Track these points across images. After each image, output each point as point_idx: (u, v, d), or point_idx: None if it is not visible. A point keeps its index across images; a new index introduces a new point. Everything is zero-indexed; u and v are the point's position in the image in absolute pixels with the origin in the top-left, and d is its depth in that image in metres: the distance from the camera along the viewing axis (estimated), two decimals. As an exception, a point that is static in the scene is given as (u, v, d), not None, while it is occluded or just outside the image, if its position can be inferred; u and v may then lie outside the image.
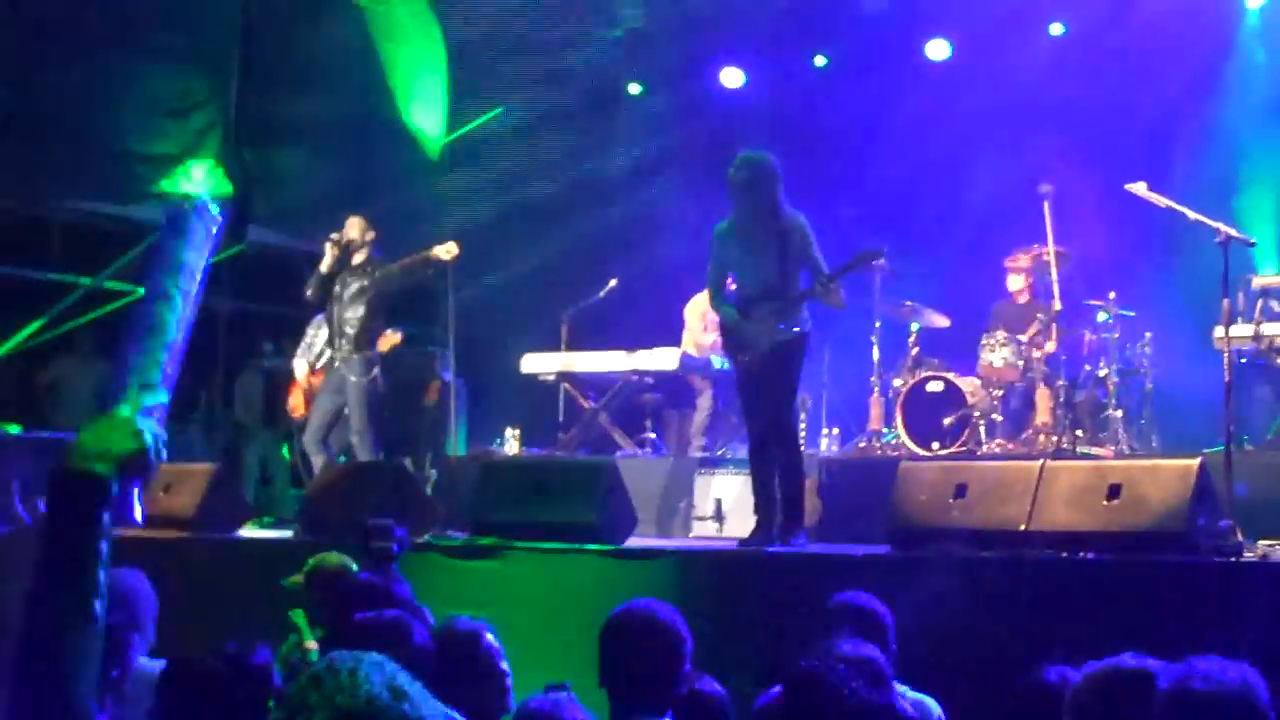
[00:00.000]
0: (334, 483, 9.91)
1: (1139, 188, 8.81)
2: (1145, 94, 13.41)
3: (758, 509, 8.79)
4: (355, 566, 6.95)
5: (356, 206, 11.84)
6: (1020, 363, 11.77)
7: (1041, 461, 7.47)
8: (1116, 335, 11.72)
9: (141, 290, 3.07)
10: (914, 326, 12.40)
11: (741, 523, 9.77)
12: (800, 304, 8.71)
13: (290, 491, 14.24)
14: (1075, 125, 13.60)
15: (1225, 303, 8.39)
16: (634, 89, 16.49)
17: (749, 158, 8.89)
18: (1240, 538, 7.12)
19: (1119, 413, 11.45)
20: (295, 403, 12.73)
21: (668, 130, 16.31)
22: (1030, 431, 11.50)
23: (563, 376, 13.14)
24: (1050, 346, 11.62)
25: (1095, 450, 11.10)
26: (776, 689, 3.89)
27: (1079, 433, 11.41)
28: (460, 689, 4.64)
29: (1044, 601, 6.65)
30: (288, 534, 10.21)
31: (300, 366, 12.67)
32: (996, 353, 11.85)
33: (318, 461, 11.11)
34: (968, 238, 13.44)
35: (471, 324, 12.38)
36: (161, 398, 2.97)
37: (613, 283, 13.68)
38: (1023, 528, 7.07)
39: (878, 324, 12.27)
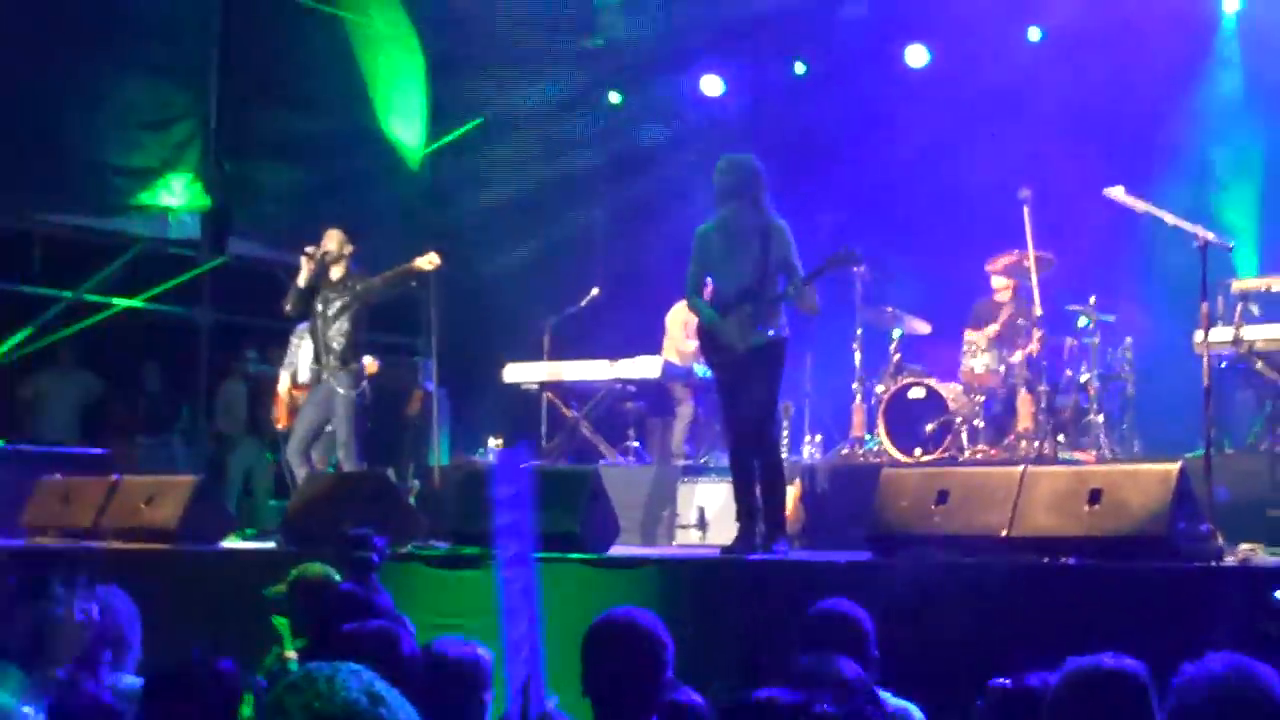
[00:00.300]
0: (316, 493, 9.90)
1: (1117, 192, 8.82)
2: (1123, 99, 13.46)
3: (740, 516, 8.79)
4: (338, 577, 6.94)
5: (336, 218, 11.81)
6: (1001, 368, 11.79)
7: (1023, 467, 7.48)
8: (1097, 340, 11.74)
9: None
10: (896, 333, 12.42)
11: (725, 530, 9.77)
12: (777, 307, 8.70)
13: (272, 503, 14.21)
14: (1054, 130, 13.63)
15: (1204, 307, 8.40)
16: (614, 97, 16.50)
17: (733, 160, 8.91)
18: (1221, 542, 7.14)
19: (1100, 417, 11.48)
20: (279, 414, 12.71)
21: (648, 139, 16.33)
22: (1012, 437, 11.52)
23: (545, 386, 13.14)
24: (1032, 348, 11.63)
25: (1077, 455, 11.12)
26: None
27: (1060, 438, 11.44)
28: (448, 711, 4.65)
29: (1026, 607, 6.66)
30: (270, 545, 10.19)
31: (283, 379, 12.64)
32: (978, 358, 11.88)
33: (300, 473, 11.08)
34: (948, 243, 13.47)
35: (454, 334, 12.38)
36: None
37: (595, 292, 13.68)
38: (1004, 533, 7.08)
39: (859, 330, 12.30)
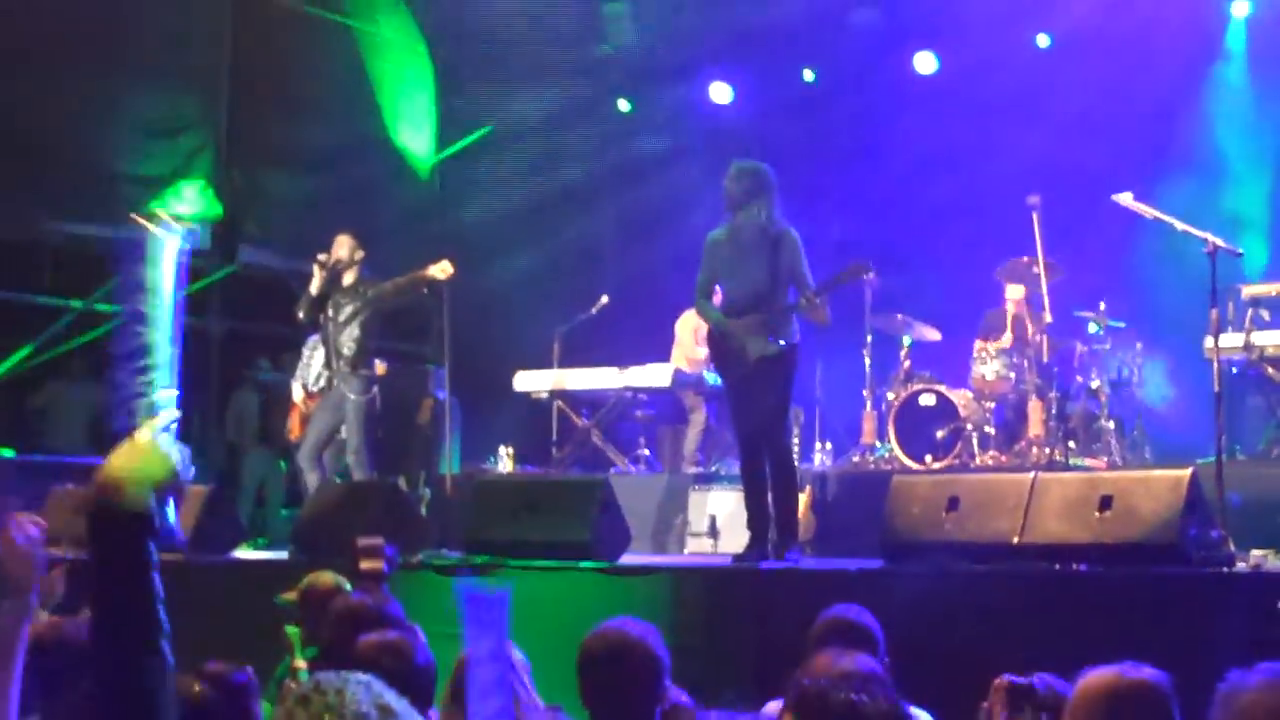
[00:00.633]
0: (327, 503, 9.90)
1: (1126, 198, 8.81)
2: (1132, 104, 13.45)
3: (751, 524, 8.78)
4: (349, 586, 6.95)
5: (346, 226, 11.81)
6: (1012, 375, 11.79)
7: (1033, 474, 7.47)
8: (1107, 346, 11.75)
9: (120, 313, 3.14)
10: (905, 340, 12.42)
11: (736, 539, 9.77)
12: (788, 316, 8.70)
13: (284, 513, 14.22)
14: (1063, 136, 13.62)
15: (1214, 313, 8.39)
16: (623, 105, 16.51)
17: (744, 167, 8.91)
18: (1232, 548, 7.13)
19: (1111, 424, 11.48)
20: (293, 425, 12.72)
21: (657, 146, 16.33)
22: (1023, 444, 11.51)
23: (555, 394, 13.16)
24: (1043, 358, 11.63)
25: (1088, 462, 11.11)
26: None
27: (1071, 444, 11.42)
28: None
29: (1036, 614, 6.65)
30: (282, 555, 10.19)
31: (297, 390, 12.64)
32: (988, 365, 11.87)
33: (311, 480, 11.08)
34: (958, 250, 13.46)
35: (464, 342, 12.38)
36: (172, 412, 2.96)
37: (604, 300, 13.69)
38: (1015, 540, 7.07)
39: (869, 338, 12.30)
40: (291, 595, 7.07)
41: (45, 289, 14.81)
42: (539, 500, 8.79)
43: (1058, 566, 6.96)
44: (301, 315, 11.46)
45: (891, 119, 14.55)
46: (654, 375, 12.63)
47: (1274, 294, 10.86)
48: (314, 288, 11.27)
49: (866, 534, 8.21)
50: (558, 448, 13.29)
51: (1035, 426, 11.46)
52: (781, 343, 8.67)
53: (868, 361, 12.29)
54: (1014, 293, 12.31)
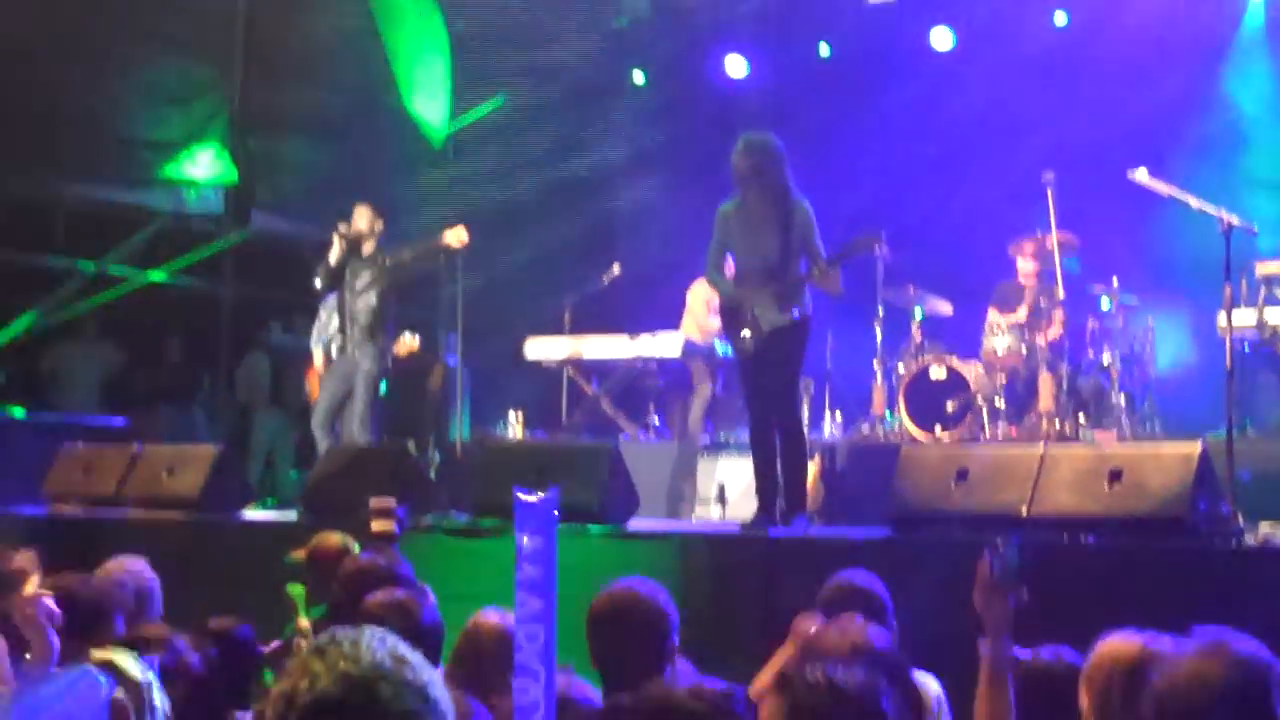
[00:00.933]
0: (337, 465, 9.93)
1: (1141, 175, 8.80)
2: (1149, 81, 13.40)
3: (759, 492, 8.80)
4: (357, 547, 6.98)
5: (358, 194, 11.83)
6: (1023, 348, 11.79)
7: (1043, 446, 7.48)
8: (1120, 321, 11.75)
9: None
10: (917, 312, 12.41)
11: (745, 506, 9.80)
12: (800, 287, 8.70)
13: (293, 474, 14.27)
14: (1078, 113, 13.58)
15: (1227, 289, 8.39)
16: (638, 78, 16.49)
17: (753, 140, 8.89)
18: (1241, 522, 7.14)
19: (1122, 398, 11.48)
20: (311, 386, 12.76)
21: (671, 119, 16.31)
22: (1033, 417, 11.52)
23: (566, 362, 13.16)
24: (1054, 333, 11.65)
25: (1098, 436, 11.11)
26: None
27: (1082, 418, 11.43)
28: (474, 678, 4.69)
29: (1044, 586, 6.63)
30: (290, 516, 10.23)
31: (317, 353, 12.63)
32: (1000, 338, 11.88)
33: (324, 445, 11.12)
34: (971, 225, 13.44)
35: (475, 309, 12.39)
36: None
37: (616, 268, 13.69)
38: (1024, 512, 7.09)
39: (881, 310, 12.29)
40: (300, 554, 7.11)
41: (58, 251, 14.84)
42: (548, 465, 8.81)
43: (1066, 538, 6.97)
44: (320, 285, 11.49)
45: (907, 94, 14.50)
46: (664, 344, 12.63)
47: (1287, 271, 10.83)
48: (333, 257, 11.29)
49: (875, 504, 8.23)
50: (567, 415, 13.31)
51: (1046, 400, 11.46)
52: (794, 314, 8.67)
53: (879, 333, 12.29)
54: (1026, 267, 12.31)
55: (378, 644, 2.29)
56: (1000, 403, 11.68)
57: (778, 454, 8.70)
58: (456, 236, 11.07)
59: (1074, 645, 4.43)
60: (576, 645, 4.96)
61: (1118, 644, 3.95)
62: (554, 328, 13.39)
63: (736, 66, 15.89)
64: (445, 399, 13.35)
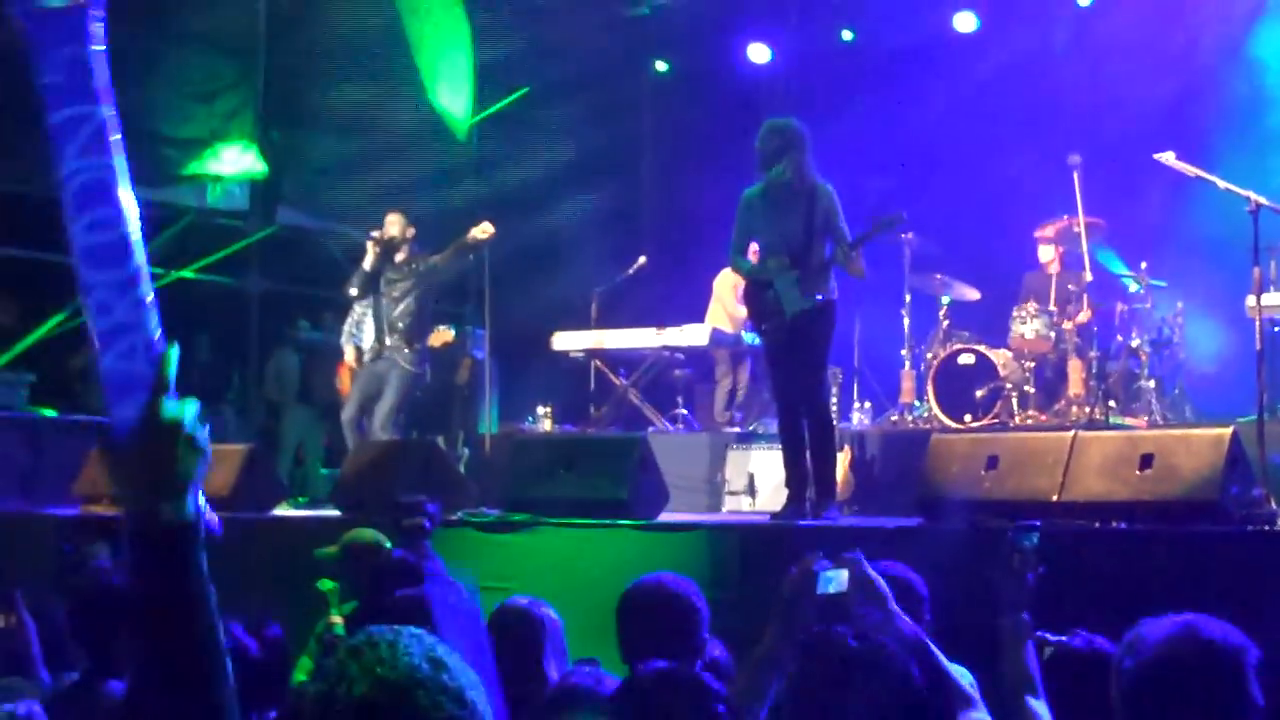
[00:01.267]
0: (368, 461, 9.94)
1: (1168, 157, 8.76)
2: (1174, 62, 13.32)
3: (789, 483, 8.78)
4: (389, 543, 7.00)
5: (383, 187, 11.86)
6: (1052, 334, 11.75)
7: (1073, 432, 7.45)
8: (1148, 305, 11.72)
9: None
10: (944, 299, 12.39)
11: (774, 497, 9.78)
12: (825, 272, 8.68)
13: (324, 471, 14.30)
14: (1104, 95, 13.53)
15: (1256, 271, 8.35)
16: (660, 66, 16.47)
17: (776, 125, 8.88)
18: (1274, 506, 7.10)
19: (1151, 383, 11.44)
20: (343, 382, 12.79)
21: (695, 107, 16.29)
22: (1062, 403, 11.49)
23: (593, 354, 13.17)
24: (1083, 317, 11.62)
25: (1128, 421, 11.07)
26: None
27: (1111, 404, 11.39)
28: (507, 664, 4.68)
29: (1076, 572, 6.63)
30: (322, 513, 10.24)
31: (349, 351, 12.64)
32: (1028, 325, 11.84)
33: (353, 443, 11.15)
34: (997, 210, 13.40)
35: (502, 302, 12.41)
36: (170, 369, 2.46)
37: (642, 260, 13.69)
38: (1055, 499, 7.06)
39: (908, 297, 12.28)
40: (332, 549, 7.13)
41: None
42: (577, 458, 8.81)
43: (1098, 524, 6.94)
44: (354, 292, 11.56)
45: (931, 79, 14.46)
46: (692, 334, 12.63)
47: (1318, 253, 10.78)
48: (367, 264, 11.36)
49: (905, 493, 8.21)
50: (595, 407, 13.32)
51: (1075, 386, 11.43)
52: (819, 298, 8.65)
53: (906, 321, 12.27)
54: (1050, 252, 12.27)
55: (415, 646, 2.28)
56: (1029, 389, 11.65)
57: (807, 444, 8.68)
58: (483, 230, 11.11)
59: (1106, 632, 4.40)
60: (604, 640, 4.97)
61: (1169, 644, 3.91)
62: (581, 320, 13.40)
63: (759, 53, 15.86)
64: (474, 393, 13.36)
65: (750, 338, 12.19)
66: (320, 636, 6.41)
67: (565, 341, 13.20)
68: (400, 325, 11.23)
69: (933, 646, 3.91)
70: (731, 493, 11.10)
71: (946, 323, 12.26)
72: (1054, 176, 12.07)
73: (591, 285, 13.64)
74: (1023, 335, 11.84)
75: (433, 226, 11.96)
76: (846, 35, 15.57)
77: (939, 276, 12.46)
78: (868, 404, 12.78)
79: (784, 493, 8.88)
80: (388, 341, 11.28)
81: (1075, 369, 11.47)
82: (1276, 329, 10.65)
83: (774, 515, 8.71)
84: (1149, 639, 3.41)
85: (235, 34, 15.20)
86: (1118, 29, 13.79)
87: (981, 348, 11.77)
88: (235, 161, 14.99)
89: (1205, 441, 6.90)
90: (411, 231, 11.47)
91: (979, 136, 13.96)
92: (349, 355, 12.44)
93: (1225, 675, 3.29)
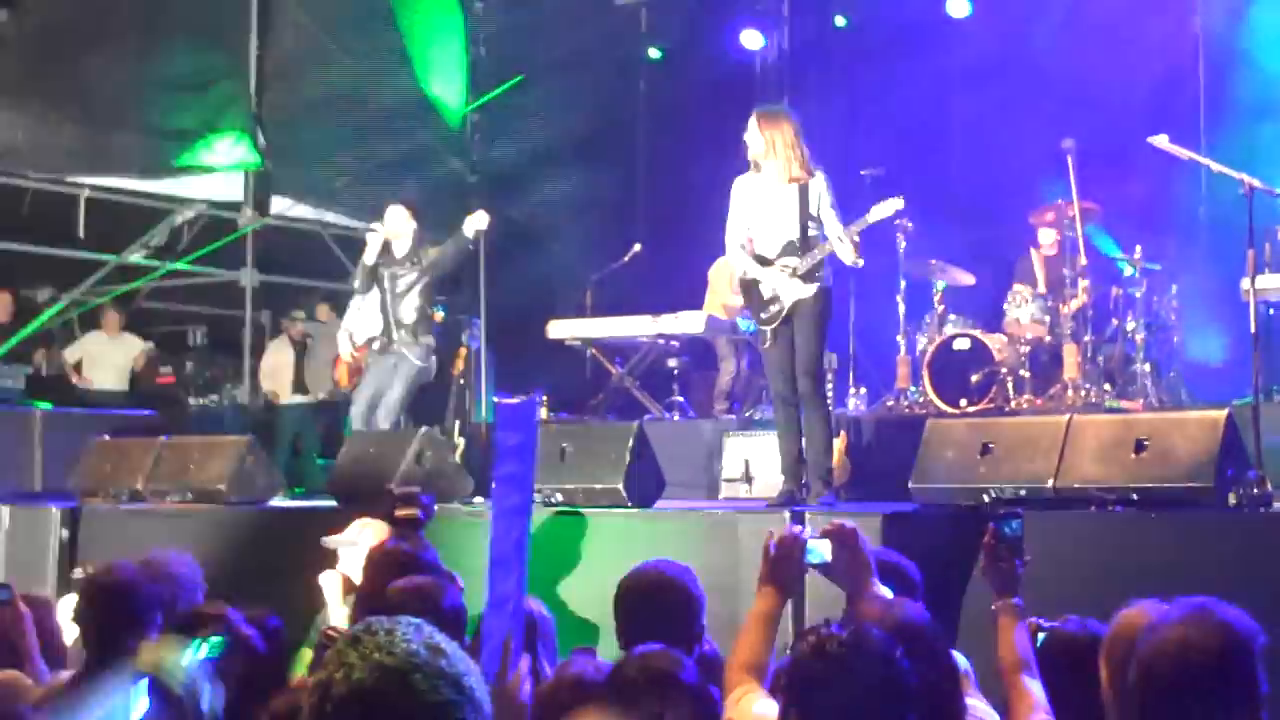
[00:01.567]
0: (363, 452, 9.94)
1: (1161, 140, 8.75)
2: (1167, 46, 13.32)
3: (785, 469, 8.79)
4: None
5: (376, 177, 11.85)
6: (1047, 319, 11.76)
7: (1069, 416, 7.45)
8: (1143, 289, 11.70)
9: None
10: (940, 285, 12.39)
11: (771, 484, 9.78)
12: (820, 259, 8.68)
13: (320, 461, 14.30)
14: (1097, 79, 13.51)
15: (1251, 254, 8.34)
16: (653, 52, 16.45)
17: (768, 111, 8.88)
18: (1269, 489, 7.10)
19: (1147, 366, 11.43)
20: (339, 374, 12.78)
21: (688, 93, 16.28)
22: (1058, 387, 11.48)
23: (589, 342, 13.16)
24: (1078, 301, 11.62)
25: (1124, 404, 11.08)
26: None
27: (1107, 387, 11.40)
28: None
29: (1071, 556, 6.64)
30: (319, 504, 10.24)
31: (343, 341, 12.64)
32: (1023, 309, 11.85)
33: (360, 436, 11.16)
34: (992, 195, 13.40)
35: (497, 291, 12.40)
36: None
37: (637, 248, 13.68)
38: (1050, 483, 7.07)
39: (903, 283, 12.27)
40: (337, 538, 7.14)
41: (80, 242, 14.88)
42: (573, 447, 8.80)
43: (1093, 509, 6.95)
44: (357, 286, 11.55)
45: (924, 64, 14.44)
46: (687, 322, 12.63)
47: (1313, 235, 10.76)
48: (368, 258, 11.31)
49: (901, 478, 8.20)
50: (592, 396, 13.31)
51: (1070, 370, 11.43)
52: (814, 286, 8.65)
53: (901, 307, 12.27)
54: (1047, 236, 12.28)
55: (414, 633, 2.30)
56: (1025, 373, 11.66)
57: (803, 431, 8.69)
58: (478, 221, 11.11)
59: (1100, 616, 4.42)
60: (601, 627, 4.98)
61: (1135, 615, 3.93)
62: (576, 308, 13.40)
63: (752, 39, 15.85)
64: (469, 382, 13.35)
65: (746, 324, 12.19)
66: (319, 627, 6.40)
67: (561, 330, 13.20)
68: (407, 320, 11.22)
69: (928, 627, 3.91)
70: (728, 480, 11.09)
71: (941, 308, 12.27)
72: (1048, 161, 12.06)
73: (586, 273, 13.64)
74: (1018, 320, 11.85)
75: (428, 216, 11.92)
76: (839, 20, 15.56)
77: (934, 262, 12.46)
78: (863, 389, 12.79)
79: (780, 479, 8.88)
80: (395, 335, 11.27)
81: (1070, 353, 11.48)
82: (1271, 311, 10.65)
83: (771, 502, 8.71)
84: (1164, 619, 3.42)
85: (227, 24, 15.17)
86: (1111, 13, 13.77)
87: (977, 332, 11.78)
88: (228, 153, 14.97)
89: (1201, 425, 6.91)
90: (413, 225, 11.41)
91: (972, 122, 13.97)
92: (343, 346, 12.46)
93: (1240, 658, 3.30)
